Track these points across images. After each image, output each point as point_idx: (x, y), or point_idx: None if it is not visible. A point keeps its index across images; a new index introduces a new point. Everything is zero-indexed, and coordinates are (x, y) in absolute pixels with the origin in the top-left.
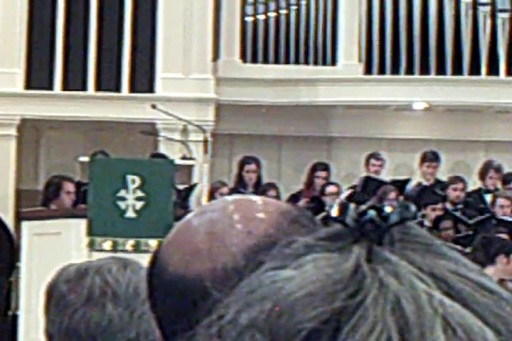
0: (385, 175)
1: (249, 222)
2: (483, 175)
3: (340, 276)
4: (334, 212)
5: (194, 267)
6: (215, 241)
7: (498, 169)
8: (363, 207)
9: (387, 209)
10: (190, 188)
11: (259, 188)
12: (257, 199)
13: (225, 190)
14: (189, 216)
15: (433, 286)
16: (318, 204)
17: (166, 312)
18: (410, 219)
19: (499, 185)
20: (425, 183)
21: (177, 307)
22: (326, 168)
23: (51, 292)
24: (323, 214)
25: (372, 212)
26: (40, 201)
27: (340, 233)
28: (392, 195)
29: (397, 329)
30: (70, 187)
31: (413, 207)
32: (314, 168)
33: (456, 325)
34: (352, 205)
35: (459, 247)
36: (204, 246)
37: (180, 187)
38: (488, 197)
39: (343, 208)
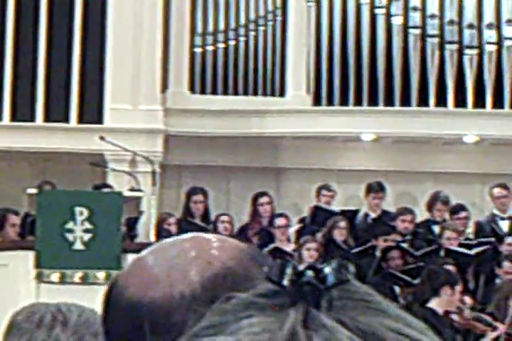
0: (335, 206)
1: (209, 255)
2: (430, 206)
3: None
4: (272, 273)
5: (151, 293)
6: (173, 270)
7: (446, 201)
8: (301, 267)
9: (326, 269)
10: (136, 217)
11: (210, 218)
12: (212, 236)
13: (172, 220)
14: (145, 252)
15: None
16: (267, 237)
17: (118, 337)
18: (349, 280)
19: (447, 216)
20: (372, 214)
21: (129, 332)
22: (266, 194)
23: (10, 326)
24: (272, 246)
25: (310, 274)
26: None
27: (276, 291)
28: (342, 224)
29: None
30: (14, 219)
31: (352, 267)
32: (255, 198)
33: None
34: (290, 266)
35: (407, 278)
36: (162, 275)
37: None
38: (436, 229)
39: (281, 268)
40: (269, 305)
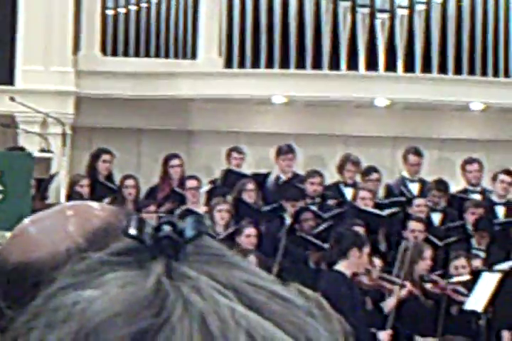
0: (247, 169)
1: (87, 213)
2: (341, 168)
3: (143, 295)
4: (130, 229)
5: (35, 254)
6: (53, 230)
7: (356, 162)
8: (160, 222)
9: (182, 224)
10: (49, 179)
11: (114, 178)
12: (95, 203)
13: (84, 182)
14: (24, 221)
15: (234, 299)
16: (179, 199)
17: (6, 300)
18: (205, 233)
19: (357, 179)
20: (283, 177)
21: (16, 293)
22: (177, 156)
23: None
24: (183, 207)
25: (167, 228)
26: None
27: (134, 248)
28: (250, 186)
29: None
30: None
31: (207, 221)
32: (166, 160)
33: (260, 338)
34: (148, 221)
35: (318, 242)
36: (43, 236)
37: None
38: (346, 190)
39: (139, 224)
40: (129, 261)
